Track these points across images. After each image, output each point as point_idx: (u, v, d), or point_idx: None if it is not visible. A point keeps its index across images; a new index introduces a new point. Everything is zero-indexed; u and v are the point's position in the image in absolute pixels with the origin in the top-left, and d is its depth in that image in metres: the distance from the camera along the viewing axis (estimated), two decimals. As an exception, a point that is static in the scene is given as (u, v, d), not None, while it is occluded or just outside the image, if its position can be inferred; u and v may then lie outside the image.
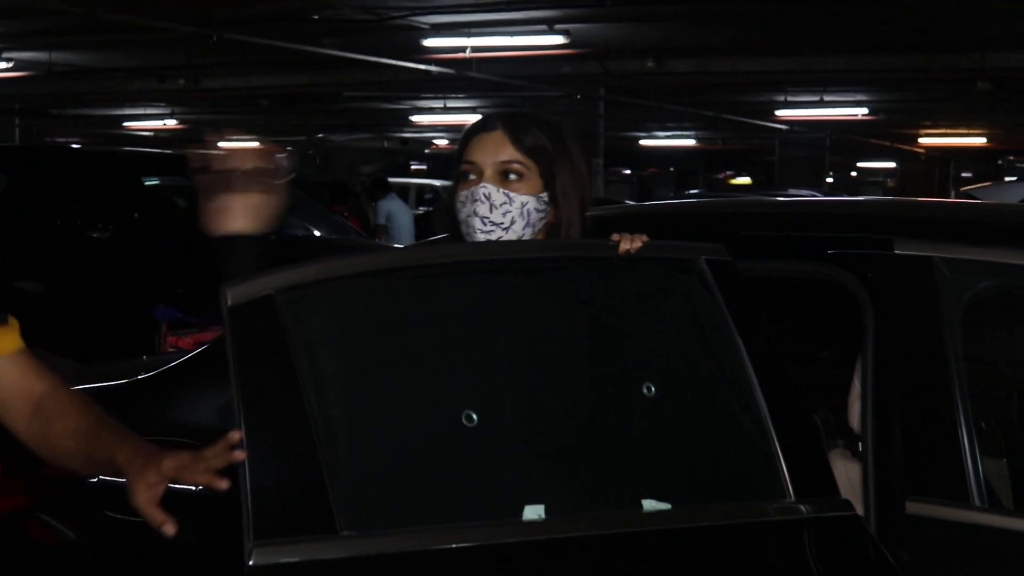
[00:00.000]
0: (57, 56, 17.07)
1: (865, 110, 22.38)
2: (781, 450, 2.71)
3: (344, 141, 33.02)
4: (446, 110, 24.53)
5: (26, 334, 2.58)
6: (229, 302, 2.43)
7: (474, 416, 2.53)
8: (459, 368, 2.65)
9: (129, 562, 3.17)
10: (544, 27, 13.30)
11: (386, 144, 34.31)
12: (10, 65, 17.00)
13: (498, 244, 2.89)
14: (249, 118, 28.14)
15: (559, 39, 13.58)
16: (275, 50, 14.06)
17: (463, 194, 2.87)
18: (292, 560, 2.31)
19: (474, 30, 13.52)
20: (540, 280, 2.79)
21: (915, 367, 2.95)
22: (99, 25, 13.49)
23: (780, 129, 26.32)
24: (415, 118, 26.57)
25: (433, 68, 15.11)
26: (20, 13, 13.28)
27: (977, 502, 2.83)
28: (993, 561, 2.79)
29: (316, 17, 12.88)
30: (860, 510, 2.89)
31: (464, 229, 2.88)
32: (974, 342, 3.05)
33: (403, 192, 28.69)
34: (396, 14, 12.77)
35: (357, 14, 12.69)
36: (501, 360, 2.68)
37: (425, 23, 13.36)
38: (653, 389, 2.70)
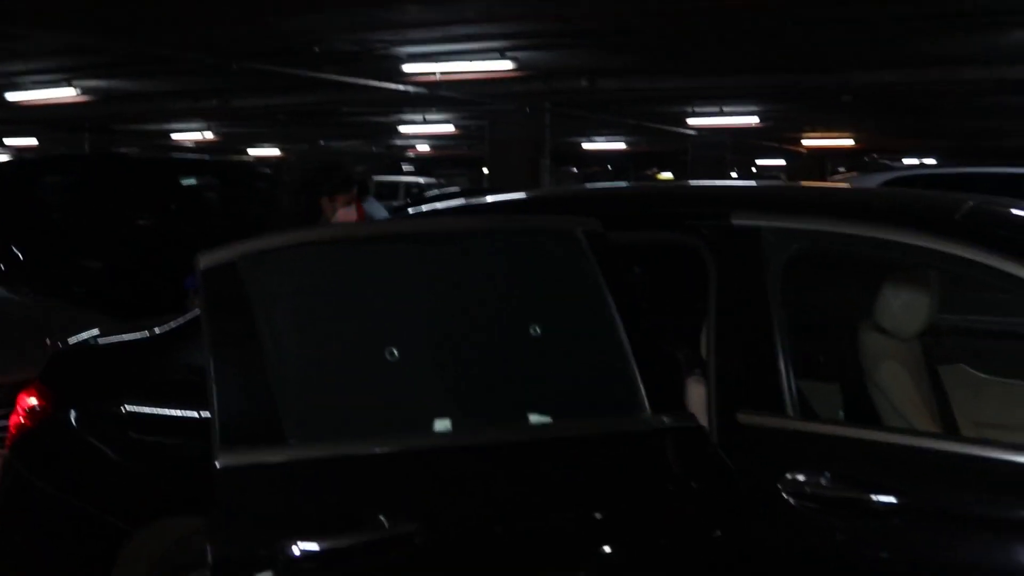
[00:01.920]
0: (114, 83, 16.96)
1: (757, 119, 22.32)
2: (640, 377, 2.78)
3: (341, 147, 32.99)
4: (425, 122, 24.41)
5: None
6: (201, 266, 2.48)
7: (395, 352, 2.59)
8: (384, 316, 2.68)
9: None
10: (497, 54, 13.29)
11: (374, 149, 34.33)
12: (78, 92, 16.88)
13: (418, 220, 2.95)
14: (270, 131, 28.08)
15: (509, 64, 13.58)
16: (285, 76, 14.03)
17: None
18: (249, 462, 2.38)
19: (442, 58, 13.47)
20: (453, 247, 2.84)
21: (746, 311, 2.99)
22: (144, 58, 13.48)
23: (691, 135, 26.28)
24: (401, 128, 26.45)
25: (411, 88, 15.07)
26: (84, 50, 13.22)
27: (791, 413, 2.89)
28: (803, 457, 2.82)
29: (316, 49, 12.82)
30: (705, 422, 2.96)
31: None
32: (792, 292, 3.12)
33: (394, 187, 28.69)
34: (379, 45, 12.74)
35: (348, 46, 12.68)
36: (419, 309, 2.73)
37: (403, 52, 13.32)
38: (539, 330, 2.76)
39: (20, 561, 3.70)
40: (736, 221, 3.06)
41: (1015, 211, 3.28)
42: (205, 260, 2.49)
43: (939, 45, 12.41)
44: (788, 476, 2.77)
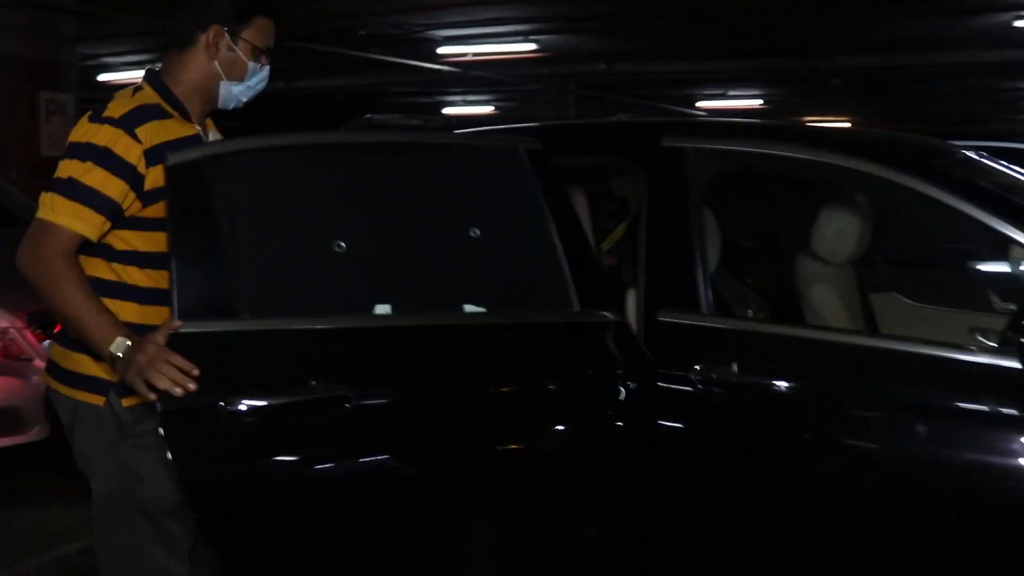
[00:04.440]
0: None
1: (760, 101, 22.09)
2: (571, 278, 2.77)
3: (386, 119, 32.99)
4: (465, 103, 24.34)
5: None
6: (169, 163, 2.48)
7: (342, 244, 2.59)
8: (335, 214, 2.68)
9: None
10: (521, 37, 13.22)
11: (414, 121, 34.32)
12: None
13: (376, 133, 2.96)
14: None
15: (532, 46, 13.51)
16: (341, 56, 13.95)
17: None
18: (201, 330, 2.39)
19: (473, 40, 13.43)
20: (406, 157, 2.84)
21: (670, 223, 2.99)
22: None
23: (700, 114, 26.04)
24: (444, 110, 26.38)
25: (446, 68, 15.02)
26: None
27: (705, 311, 2.88)
28: (715, 349, 2.83)
29: (362, 32, 12.78)
30: (633, 320, 2.95)
31: None
32: (722, 207, 3.12)
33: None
34: (416, 28, 12.71)
35: (389, 29, 12.65)
36: (369, 209, 2.72)
37: (438, 35, 13.28)
38: (478, 232, 2.75)
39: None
40: (665, 143, 3.04)
41: (934, 142, 3.26)
42: (172, 158, 2.48)
43: (917, 29, 12.22)
44: (698, 366, 2.76)
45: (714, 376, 2.75)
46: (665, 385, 2.79)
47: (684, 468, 2.78)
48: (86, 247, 2.54)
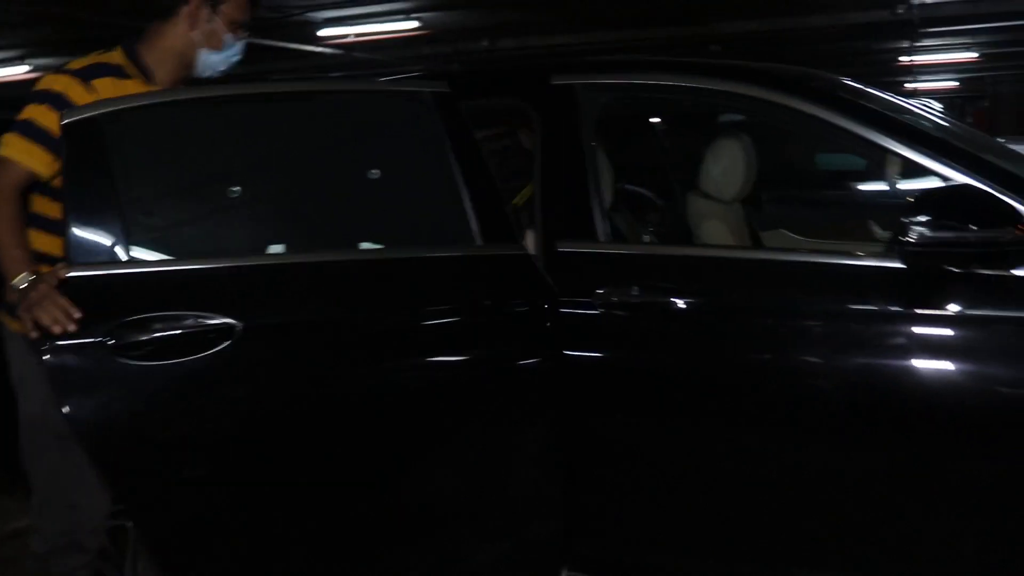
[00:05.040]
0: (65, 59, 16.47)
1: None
2: (474, 215, 2.83)
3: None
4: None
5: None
6: (64, 120, 2.58)
7: (237, 190, 2.68)
8: (232, 162, 2.76)
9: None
10: (403, 16, 13.16)
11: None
12: (31, 68, 16.39)
13: (280, 83, 3.01)
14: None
15: (414, 24, 13.46)
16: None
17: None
18: (93, 274, 2.52)
19: (354, 21, 13.31)
20: (306, 106, 2.89)
21: (564, 157, 3.05)
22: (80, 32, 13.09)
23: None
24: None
25: (327, 50, 14.88)
26: (39, 21, 12.78)
27: (603, 239, 2.96)
28: (613, 274, 2.90)
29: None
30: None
31: None
32: (603, 137, 3.20)
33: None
34: (295, 12, 12.53)
35: (266, 13, 12.46)
36: (267, 156, 2.79)
37: (318, 18, 13.13)
38: (378, 173, 2.79)
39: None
40: (555, 81, 3.11)
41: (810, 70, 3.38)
42: (68, 115, 2.60)
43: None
44: (599, 291, 2.84)
45: (615, 299, 2.83)
46: (568, 311, 2.85)
47: (591, 391, 2.84)
48: (37, 186, 2.78)
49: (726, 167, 3.70)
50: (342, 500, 2.66)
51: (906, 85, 21.13)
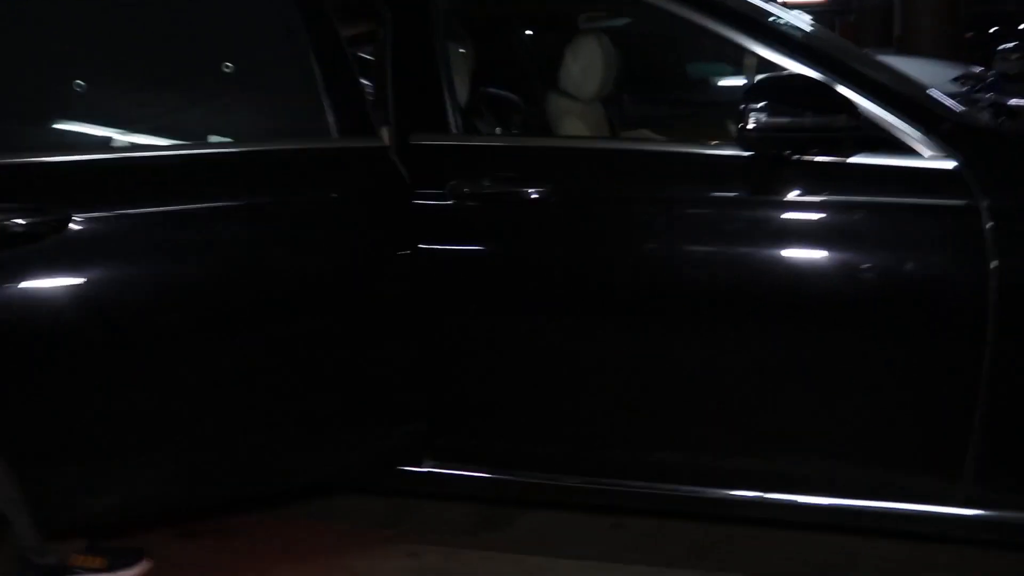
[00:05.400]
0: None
1: None
2: (330, 108, 2.85)
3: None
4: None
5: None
6: None
7: (82, 84, 2.70)
8: (79, 55, 2.77)
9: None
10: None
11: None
12: None
13: None
14: None
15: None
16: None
17: None
18: None
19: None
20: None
21: (415, 52, 3.06)
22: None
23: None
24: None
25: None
26: None
27: (455, 131, 2.98)
28: (466, 166, 2.94)
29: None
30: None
31: None
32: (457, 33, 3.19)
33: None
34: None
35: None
36: (117, 51, 2.81)
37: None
38: (231, 66, 2.81)
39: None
40: None
41: None
42: None
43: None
44: (451, 182, 2.86)
45: (467, 190, 2.85)
46: (421, 203, 2.87)
47: (446, 284, 2.87)
48: None
49: (584, 65, 3.72)
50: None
51: (778, -1, 21.34)
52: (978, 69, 9.16)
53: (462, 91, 3.20)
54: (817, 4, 23.16)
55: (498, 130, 3.72)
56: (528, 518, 3.35)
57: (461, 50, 3.30)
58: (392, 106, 3.02)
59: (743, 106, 2.55)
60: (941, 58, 10.33)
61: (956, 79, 8.36)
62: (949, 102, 2.95)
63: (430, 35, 3.04)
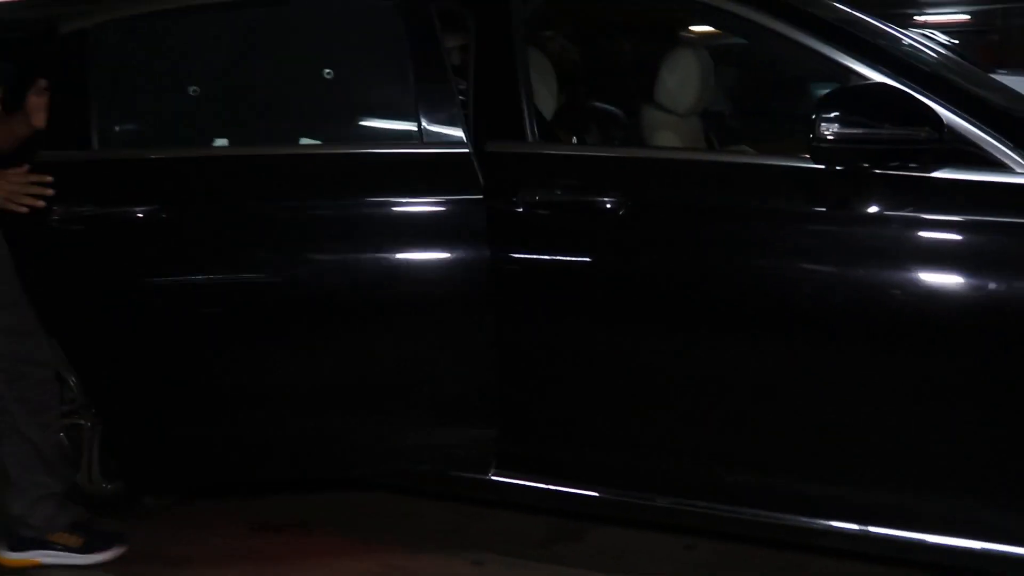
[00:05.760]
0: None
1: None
2: (422, 116, 3.00)
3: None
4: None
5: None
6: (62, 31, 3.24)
7: (197, 89, 3.16)
8: (199, 65, 3.21)
9: None
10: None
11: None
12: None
13: None
14: None
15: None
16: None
17: None
18: (59, 159, 3.18)
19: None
20: (271, 12, 3.19)
21: (496, 59, 3.06)
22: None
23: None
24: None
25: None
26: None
27: (531, 139, 2.98)
28: (541, 174, 2.92)
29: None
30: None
31: None
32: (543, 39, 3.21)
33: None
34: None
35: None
36: (232, 59, 3.21)
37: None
38: (332, 73, 3.07)
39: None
40: None
41: None
42: (64, 26, 3.21)
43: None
44: (523, 189, 2.88)
45: (539, 198, 2.85)
46: (495, 210, 2.89)
47: (518, 290, 2.87)
48: None
49: (681, 79, 3.67)
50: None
51: (915, 17, 20.79)
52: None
53: (547, 101, 3.19)
54: (957, 24, 22.50)
55: (573, 139, 3.70)
56: (598, 533, 3.32)
57: (546, 55, 3.29)
58: (472, 112, 3.04)
59: (814, 116, 2.48)
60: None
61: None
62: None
63: (510, 44, 3.04)
